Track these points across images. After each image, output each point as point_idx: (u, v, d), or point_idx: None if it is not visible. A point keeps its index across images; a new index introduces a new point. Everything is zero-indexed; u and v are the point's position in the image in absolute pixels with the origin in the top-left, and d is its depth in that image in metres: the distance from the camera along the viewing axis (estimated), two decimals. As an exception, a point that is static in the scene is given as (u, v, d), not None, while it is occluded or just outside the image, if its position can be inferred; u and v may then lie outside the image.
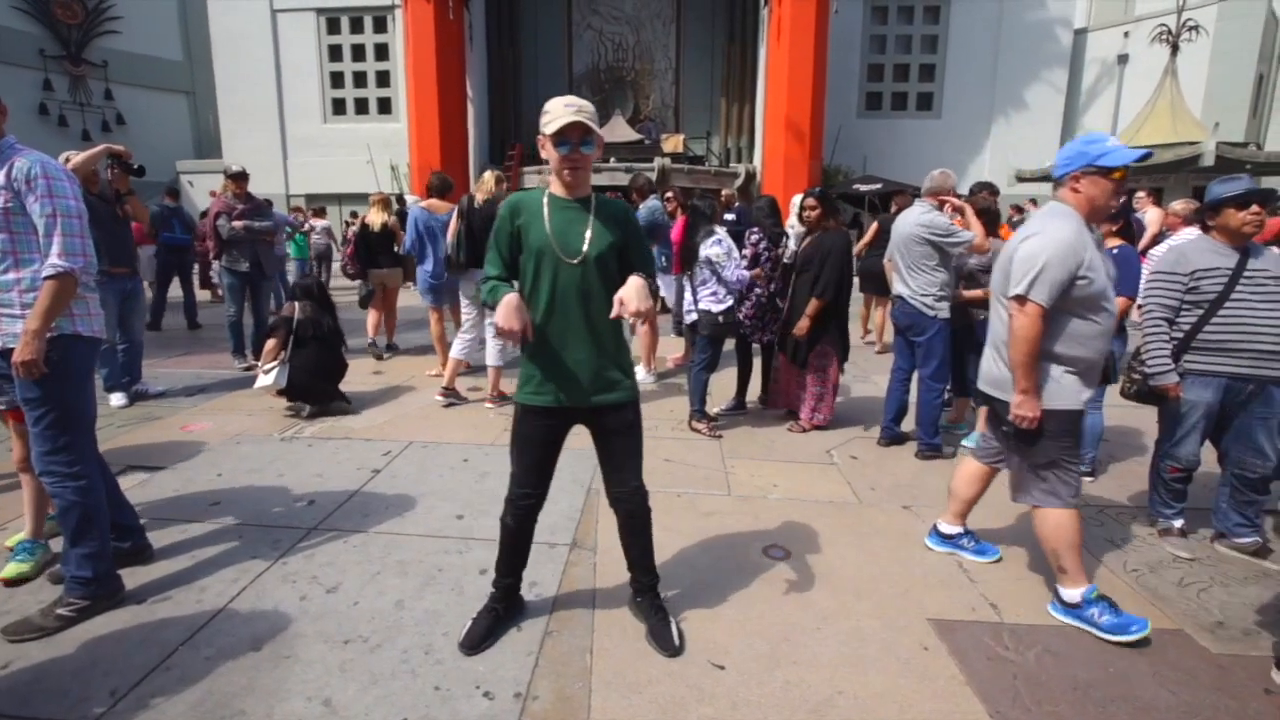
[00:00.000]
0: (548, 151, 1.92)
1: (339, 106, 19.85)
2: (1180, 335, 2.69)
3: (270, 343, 4.38)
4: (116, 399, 4.62)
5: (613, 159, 16.75)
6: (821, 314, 4.05)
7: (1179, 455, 2.79)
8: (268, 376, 4.32)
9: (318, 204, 15.77)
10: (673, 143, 18.10)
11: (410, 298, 8.42)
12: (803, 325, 4.05)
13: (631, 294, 1.80)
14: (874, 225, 6.89)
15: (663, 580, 2.33)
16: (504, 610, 2.19)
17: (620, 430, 2.04)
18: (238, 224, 5.44)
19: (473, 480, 3.42)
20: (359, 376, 5.42)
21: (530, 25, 20.03)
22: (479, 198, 4.54)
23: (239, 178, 5.56)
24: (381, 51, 19.47)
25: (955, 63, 19.30)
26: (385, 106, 19.68)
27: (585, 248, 1.91)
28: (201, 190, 20.64)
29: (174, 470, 3.49)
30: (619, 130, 18.29)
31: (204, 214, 11.50)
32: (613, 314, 1.82)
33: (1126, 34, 18.61)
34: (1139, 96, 16.59)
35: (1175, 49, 15.33)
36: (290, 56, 19.40)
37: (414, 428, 4.25)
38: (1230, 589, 2.55)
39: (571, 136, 1.86)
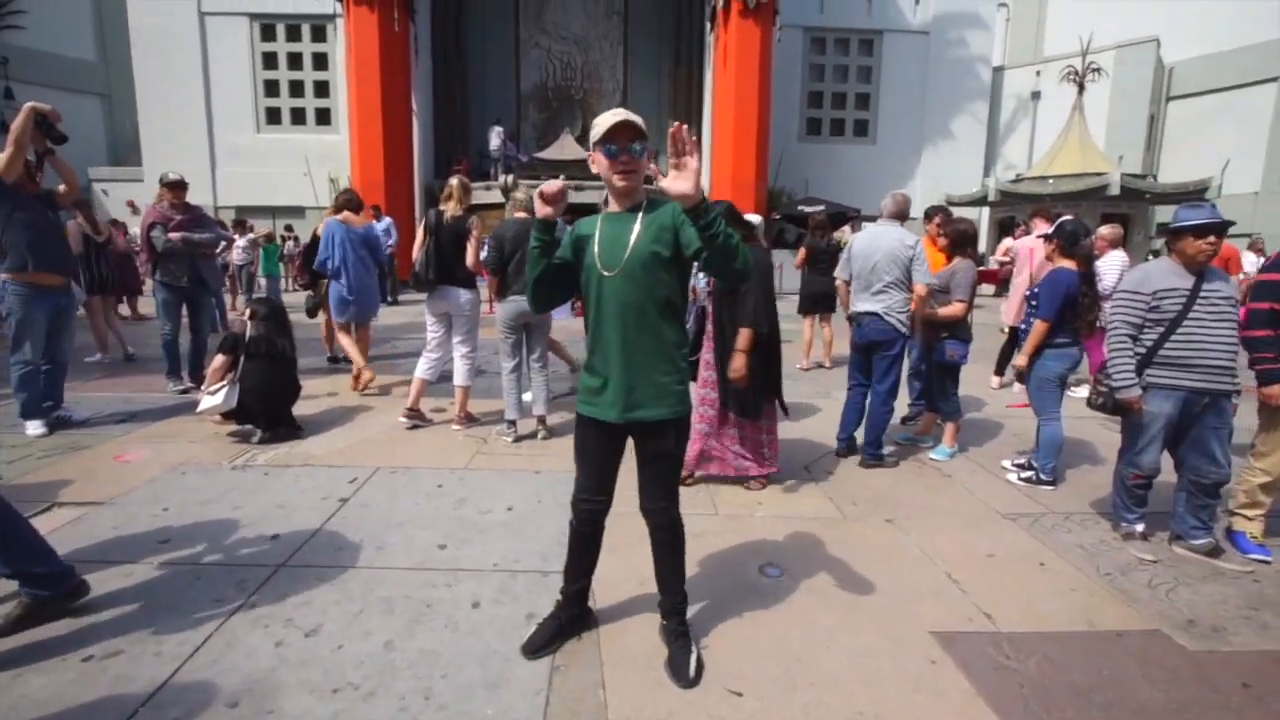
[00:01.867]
0: (598, 163, 1.90)
1: (274, 116, 19.01)
2: (1143, 351, 2.86)
3: (219, 359, 4.06)
4: (34, 427, 4.16)
5: (562, 176, 16.72)
6: (755, 345, 3.28)
7: (1141, 463, 2.96)
8: (214, 397, 3.99)
9: (246, 217, 14.99)
10: (622, 162, 18.21)
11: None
12: (738, 365, 3.24)
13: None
14: (803, 251, 6.96)
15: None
16: (567, 619, 2.19)
17: (656, 449, 2.00)
18: (175, 235, 5.06)
19: (450, 507, 3.25)
20: (313, 399, 5.12)
21: (477, 40, 19.85)
22: (447, 212, 4.38)
23: (176, 186, 5.18)
24: (320, 61, 18.83)
25: (888, 93, 20.41)
26: (324, 117, 19.00)
27: (625, 258, 1.87)
28: (118, 200, 19.28)
29: (112, 505, 3.15)
30: (568, 149, 18.29)
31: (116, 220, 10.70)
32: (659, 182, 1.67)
33: (1038, 73, 20.24)
34: (1051, 130, 18.01)
35: (1081, 88, 16.74)
36: (220, 62, 18.47)
37: (378, 452, 4.02)
38: (1193, 588, 2.71)
39: (619, 138, 1.83)
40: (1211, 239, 2.76)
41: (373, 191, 14.38)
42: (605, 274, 1.89)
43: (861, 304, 3.91)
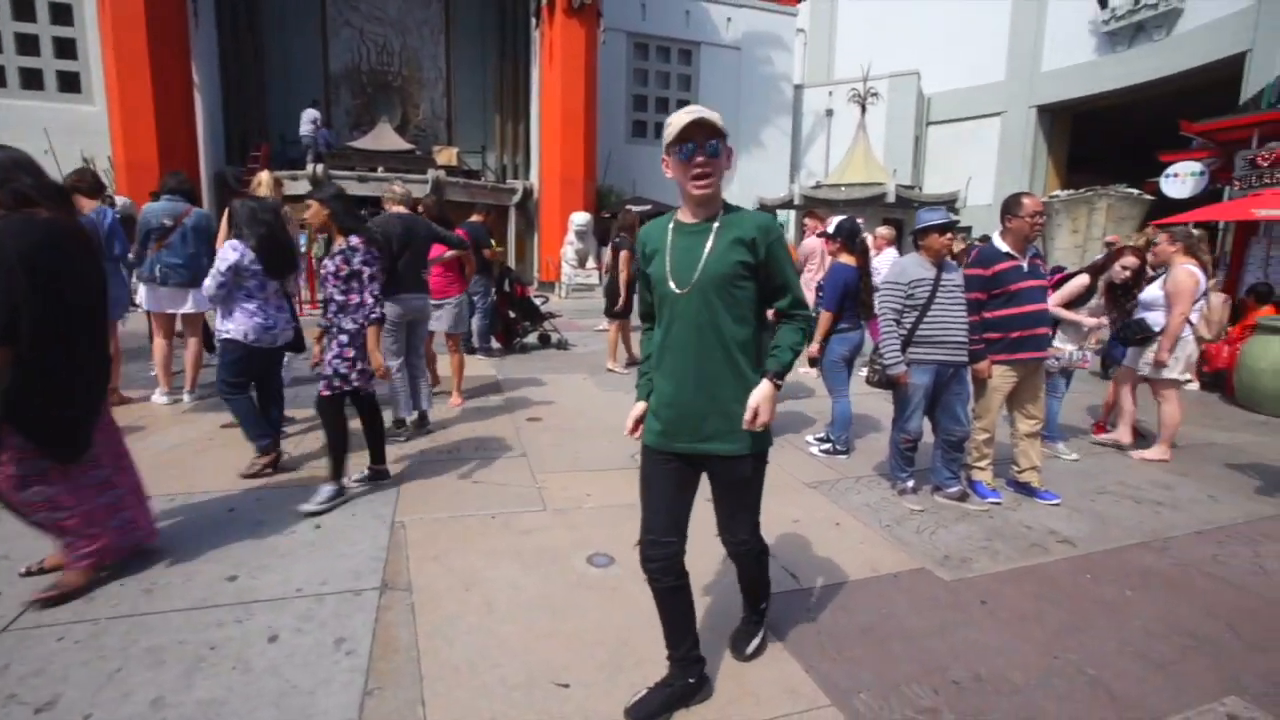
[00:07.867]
0: (674, 169, 1.73)
1: (-5, 77, 15.30)
2: (904, 333, 3.37)
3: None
4: None
5: (380, 169, 15.55)
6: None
7: (909, 428, 3.48)
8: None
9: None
10: (446, 155, 17.41)
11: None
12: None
13: (763, 404, 1.72)
14: (626, 254, 6.56)
15: (489, 606, 2.20)
16: (680, 688, 1.91)
17: (732, 483, 1.88)
18: None
19: (244, 532, 2.85)
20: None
21: (274, 11, 17.67)
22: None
23: None
24: (61, 14, 15.50)
25: (706, 101, 21.31)
26: (70, 83, 15.69)
27: (696, 275, 1.72)
28: None
29: None
30: (386, 139, 17.06)
31: None
32: (744, 424, 1.73)
33: (830, 93, 22.91)
34: (843, 143, 20.50)
35: (863, 109, 19.27)
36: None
37: (151, 478, 3.39)
38: (949, 529, 3.25)
39: (695, 137, 1.66)
40: (949, 236, 3.34)
41: (143, 174, 12.22)
42: (677, 292, 1.74)
43: None
